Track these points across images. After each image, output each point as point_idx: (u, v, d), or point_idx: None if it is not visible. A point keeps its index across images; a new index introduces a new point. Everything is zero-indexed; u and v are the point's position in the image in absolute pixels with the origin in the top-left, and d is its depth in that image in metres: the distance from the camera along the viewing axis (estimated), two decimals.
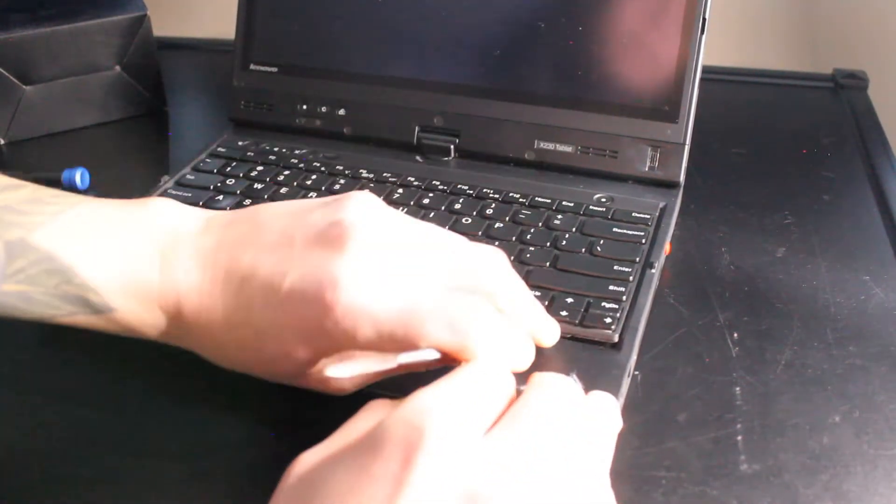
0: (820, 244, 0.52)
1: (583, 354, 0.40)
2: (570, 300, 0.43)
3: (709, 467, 0.37)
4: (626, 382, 0.39)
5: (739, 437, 0.38)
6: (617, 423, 0.32)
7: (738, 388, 0.41)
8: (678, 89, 0.52)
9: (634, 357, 0.41)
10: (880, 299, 0.47)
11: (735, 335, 0.45)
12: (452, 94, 0.57)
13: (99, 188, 0.62)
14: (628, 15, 0.53)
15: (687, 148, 0.53)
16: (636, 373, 0.42)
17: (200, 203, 0.53)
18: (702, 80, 0.52)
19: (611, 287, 0.44)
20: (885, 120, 0.68)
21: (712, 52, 0.57)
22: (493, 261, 0.38)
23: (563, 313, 0.42)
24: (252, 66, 0.62)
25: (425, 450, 0.26)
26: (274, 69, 0.62)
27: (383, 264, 0.35)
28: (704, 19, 0.52)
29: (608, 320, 0.42)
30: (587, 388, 0.38)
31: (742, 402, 0.40)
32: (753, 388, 0.41)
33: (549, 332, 0.39)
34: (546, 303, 0.43)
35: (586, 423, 0.30)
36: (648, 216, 0.50)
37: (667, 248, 0.49)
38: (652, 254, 0.47)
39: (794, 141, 0.65)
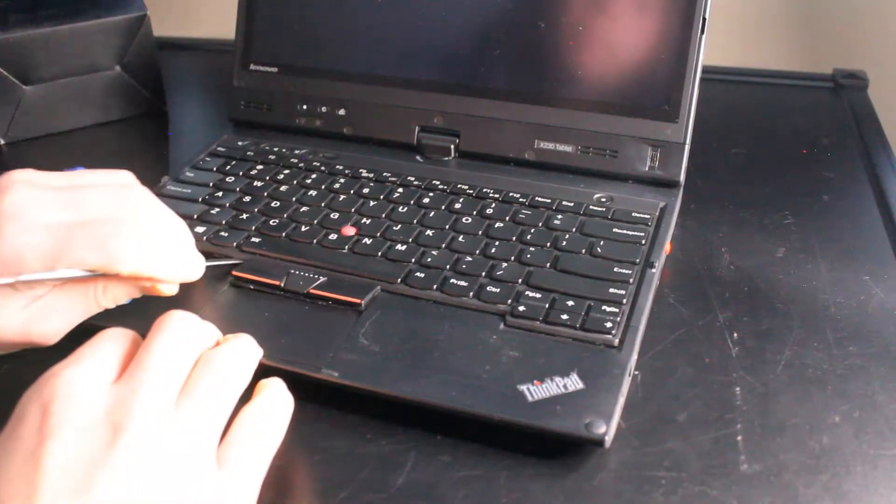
0: (820, 244, 0.52)
1: (584, 354, 0.40)
2: (570, 303, 0.43)
3: (709, 467, 0.37)
4: (626, 382, 0.39)
5: (739, 437, 0.38)
6: (253, 353, 0.35)
7: (738, 388, 0.41)
8: (678, 89, 0.52)
9: (635, 357, 0.41)
10: (880, 299, 0.47)
11: (735, 335, 0.45)
12: (452, 94, 0.57)
13: None
14: (628, 15, 0.53)
15: (687, 148, 0.53)
16: (636, 373, 0.42)
17: (200, 199, 0.53)
18: (702, 80, 0.52)
19: (611, 290, 0.44)
20: (885, 120, 0.68)
21: (712, 52, 0.57)
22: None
23: (564, 317, 0.42)
24: (252, 66, 0.62)
25: (59, 402, 0.29)
26: (274, 69, 0.62)
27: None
28: (704, 19, 0.52)
29: (608, 324, 0.42)
30: (588, 390, 0.38)
31: (742, 402, 0.40)
32: (753, 388, 0.41)
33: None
34: (547, 304, 0.43)
35: (214, 355, 0.33)
36: (648, 216, 0.50)
37: (667, 247, 0.49)
38: (652, 254, 0.47)
39: (794, 141, 0.65)
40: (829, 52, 0.83)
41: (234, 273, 0.46)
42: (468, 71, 0.57)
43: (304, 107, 0.61)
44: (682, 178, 0.53)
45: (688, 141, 0.53)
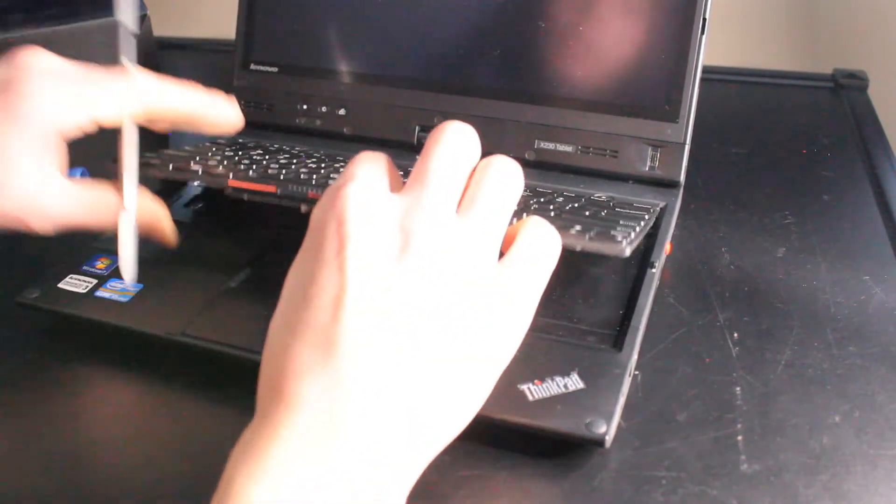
0: (820, 244, 0.52)
1: (584, 354, 0.40)
2: (578, 227, 0.41)
3: (709, 467, 0.37)
4: (626, 382, 0.39)
5: (739, 437, 0.38)
6: (519, 170, 0.37)
7: (738, 388, 0.41)
8: (678, 89, 0.52)
9: (635, 357, 0.41)
10: (880, 299, 0.47)
11: (735, 335, 0.45)
12: (452, 94, 0.57)
13: None
14: (629, 15, 0.53)
15: (687, 148, 0.53)
16: (636, 373, 0.42)
17: (197, 158, 0.53)
18: (702, 80, 0.52)
19: (619, 226, 0.43)
20: (885, 120, 0.68)
21: (712, 52, 0.57)
22: None
23: (573, 232, 0.41)
24: (252, 66, 0.62)
25: (351, 210, 0.31)
26: (274, 69, 0.62)
27: None
28: (704, 19, 0.52)
29: (619, 238, 0.40)
30: (589, 389, 0.38)
31: (742, 402, 0.40)
32: (753, 388, 0.41)
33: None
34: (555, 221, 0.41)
35: (489, 168, 0.35)
36: (650, 207, 0.50)
37: (667, 247, 0.49)
38: (652, 254, 0.47)
39: (794, 141, 0.65)
40: (829, 52, 0.83)
41: (231, 182, 0.46)
42: (468, 71, 0.57)
43: (305, 106, 0.61)
44: (683, 178, 0.53)
45: (688, 141, 0.53)
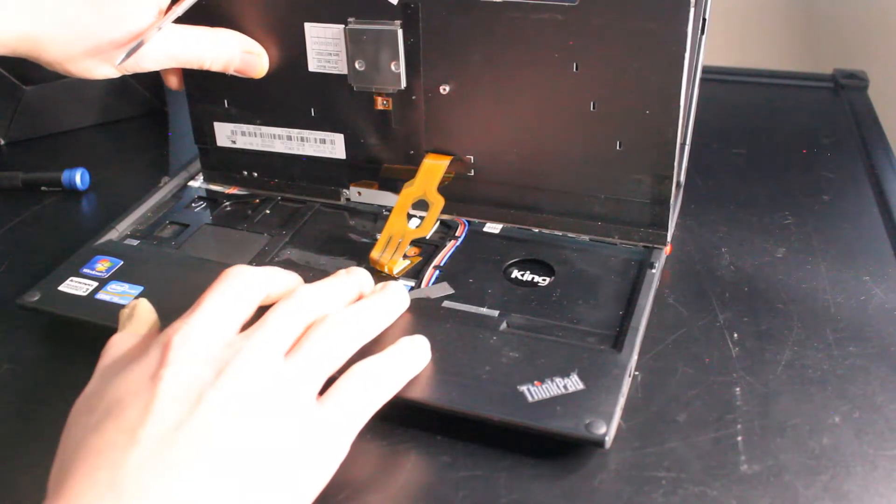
0: (820, 244, 0.52)
1: (584, 355, 0.40)
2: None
3: (709, 467, 0.37)
4: (626, 383, 0.39)
5: (739, 438, 0.38)
6: (381, 318, 0.40)
7: (738, 389, 0.41)
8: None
9: (635, 357, 0.41)
10: (880, 299, 0.47)
11: (735, 335, 0.45)
12: None
13: (99, 188, 0.62)
14: None
15: (687, 148, 0.52)
16: (636, 373, 0.42)
17: None
18: (702, 80, 0.52)
19: None
20: (885, 120, 0.68)
21: (712, 52, 0.57)
22: None
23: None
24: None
25: (179, 339, 0.34)
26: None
27: None
28: (704, 19, 0.52)
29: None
30: (589, 390, 0.38)
31: (742, 403, 0.40)
32: (753, 389, 0.41)
33: None
34: None
35: (331, 318, 0.37)
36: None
37: (667, 248, 0.49)
38: (652, 254, 0.47)
39: (794, 141, 0.65)
40: (829, 52, 0.83)
41: None
42: None
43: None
44: (683, 178, 0.53)
45: (687, 142, 0.52)
